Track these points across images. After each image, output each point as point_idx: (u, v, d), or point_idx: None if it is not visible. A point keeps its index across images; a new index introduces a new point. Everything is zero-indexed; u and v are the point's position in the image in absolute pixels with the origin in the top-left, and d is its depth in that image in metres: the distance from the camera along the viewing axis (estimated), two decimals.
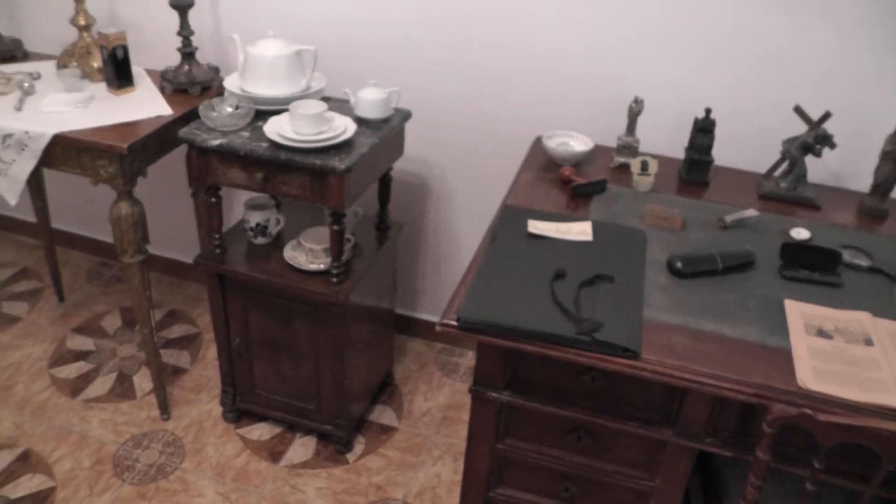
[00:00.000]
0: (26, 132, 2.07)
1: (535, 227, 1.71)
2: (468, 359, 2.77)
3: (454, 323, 1.45)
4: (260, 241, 2.23)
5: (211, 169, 2.00)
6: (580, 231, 1.72)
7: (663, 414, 1.53)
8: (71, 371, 2.70)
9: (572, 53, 2.18)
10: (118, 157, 2.01)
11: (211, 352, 2.78)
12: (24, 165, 2.12)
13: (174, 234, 3.00)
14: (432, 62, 2.31)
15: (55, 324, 2.92)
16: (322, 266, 2.09)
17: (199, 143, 1.95)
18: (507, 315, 1.43)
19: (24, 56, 2.60)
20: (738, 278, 1.63)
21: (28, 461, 2.35)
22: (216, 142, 1.94)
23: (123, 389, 2.61)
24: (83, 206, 3.18)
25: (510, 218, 1.76)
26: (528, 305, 1.46)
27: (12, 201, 2.21)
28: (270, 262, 2.15)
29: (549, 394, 1.57)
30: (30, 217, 3.33)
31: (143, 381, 2.65)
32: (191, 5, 2.25)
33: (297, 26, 2.36)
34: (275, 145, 1.91)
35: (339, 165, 1.84)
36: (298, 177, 1.91)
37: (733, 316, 1.51)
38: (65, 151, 2.09)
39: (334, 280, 2.04)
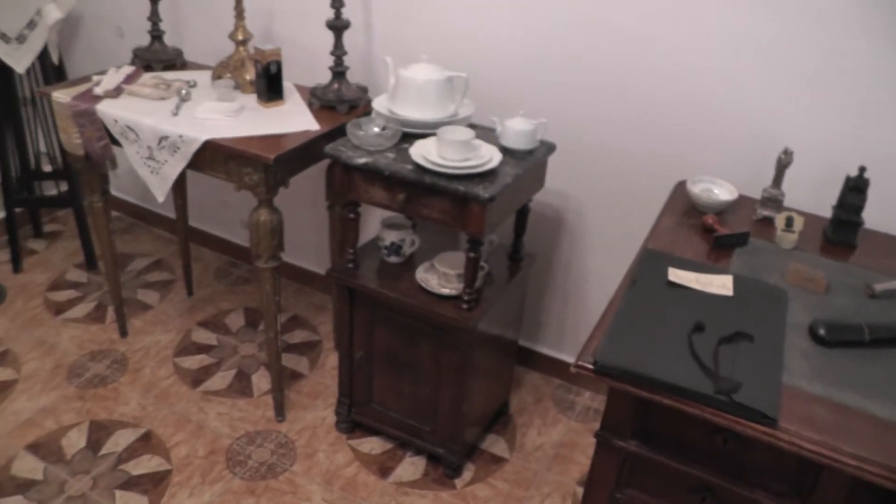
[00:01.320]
0: (180, 136, 2.18)
1: (676, 275, 1.68)
2: (585, 398, 2.74)
3: (590, 366, 1.43)
4: (393, 259, 2.26)
5: (354, 186, 2.05)
6: (721, 284, 1.68)
7: (795, 487, 1.46)
8: (193, 362, 2.82)
9: (721, 98, 2.14)
10: (263, 167, 2.09)
11: (329, 360, 2.85)
12: (175, 166, 2.25)
13: (304, 242, 3.10)
14: (579, 97, 2.31)
15: (182, 316, 3.07)
16: (454, 291, 2.10)
17: (345, 160, 2.00)
18: (643, 364, 1.41)
19: (183, 65, 2.74)
20: (888, 353, 1.53)
21: (149, 442, 2.47)
22: (362, 160, 1.98)
23: (241, 387, 2.70)
24: (218, 208, 3.34)
25: (651, 263, 1.74)
26: (666, 356, 1.43)
27: (160, 198, 2.35)
28: (402, 281, 2.19)
29: (677, 449, 1.53)
30: (169, 213, 3.51)
31: (261, 380, 2.74)
32: (347, 27, 2.32)
33: (448, 52, 2.40)
34: (420, 168, 1.94)
35: (482, 194, 1.85)
36: (440, 201, 1.93)
37: (883, 393, 1.42)
38: (213, 156, 2.19)
39: (464, 306, 2.05)
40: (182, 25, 2.98)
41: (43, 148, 3.48)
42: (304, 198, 2.93)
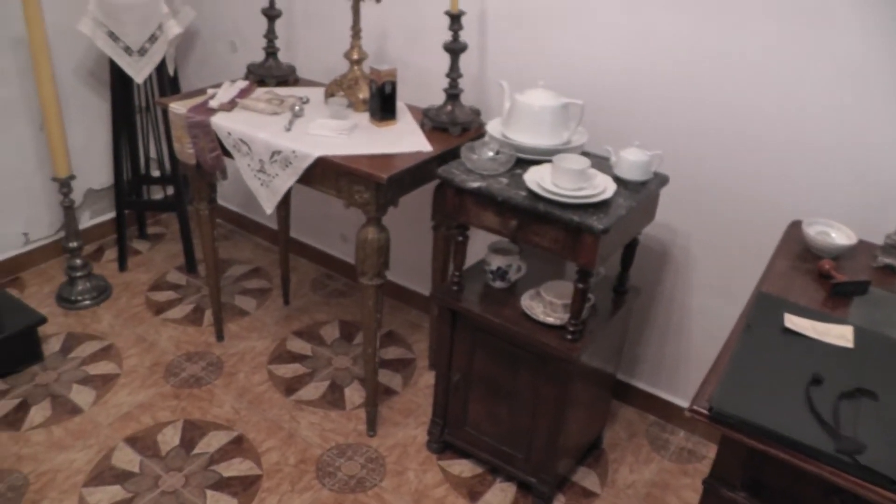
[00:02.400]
0: (293, 151, 2.23)
1: (792, 322, 1.63)
2: (680, 437, 2.67)
3: (705, 412, 1.39)
4: (498, 284, 2.26)
5: (465, 209, 2.05)
6: (839, 335, 1.62)
7: None
8: (287, 371, 2.87)
9: (841, 139, 2.06)
10: (375, 186, 2.11)
11: (423, 379, 2.86)
12: (286, 180, 2.29)
13: (404, 259, 3.12)
14: (694, 129, 2.27)
15: (278, 324, 3.13)
16: (558, 321, 2.08)
17: (458, 184, 2.01)
18: (760, 414, 1.36)
19: (295, 81, 2.81)
20: None
21: (241, 445, 2.52)
22: (475, 184, 1.99)
23: (334, 398, 2.74)
24: (319, 220, 3.40)
25: (765, 307, 1.68)
26: (783, 408, 1.38)
27: (268, 210, 2.40)
28: (506, 307, 2.18)
29: None
30: (268, 222, 3.62)
31: (353, 394, 2.76)
32: (464, 49, 2.33)
33: (563, 78, 2.39)
34: (533, 195, 1.93)
35: (596, 225, 1.83)
36: (552, 230, 1.92)
37: None
38: (324, 173, 2.22)
39: (569, 337, 2.03)
40: (295, 42, 3.07)
41: (153, 154, 3.62)
42: (408, 216, 2.95)
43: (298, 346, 3.01)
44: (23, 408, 2.64)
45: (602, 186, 1.96)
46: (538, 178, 1.96)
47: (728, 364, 1.51)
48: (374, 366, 2.45)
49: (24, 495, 2.30)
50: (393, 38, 2.78)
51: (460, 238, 2.18)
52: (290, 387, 2.79)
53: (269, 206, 2.38)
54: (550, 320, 2.10)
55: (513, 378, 2.21)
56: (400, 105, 2.51)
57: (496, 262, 2.24)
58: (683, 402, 2.62)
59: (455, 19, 2.29)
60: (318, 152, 2.18)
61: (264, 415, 2.65)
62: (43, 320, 2.86)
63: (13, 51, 3.10)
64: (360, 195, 2.15)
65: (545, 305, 2.13)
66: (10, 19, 3.02)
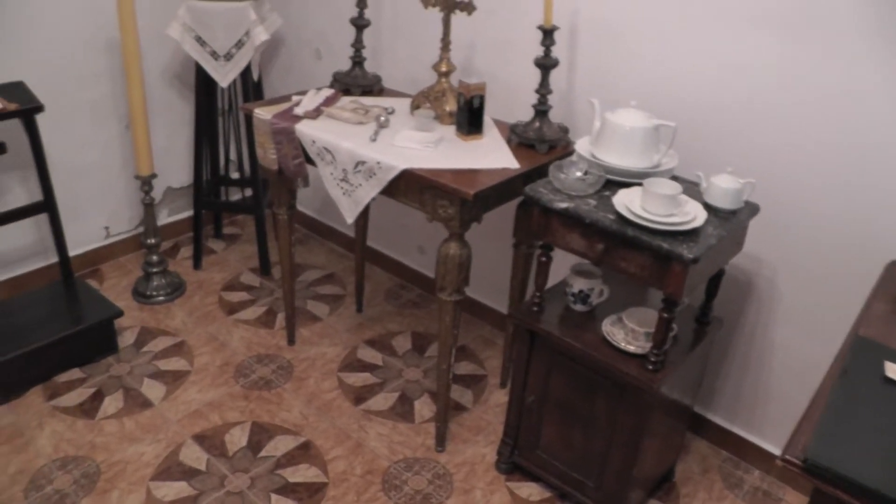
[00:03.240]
0: (378, 162, 2.22)
1: (894, 371, 1.57)
2: (754, 477, 2.57)
3: (798, 462, 1.33)
4: (578, 307, 2.22)
5: (551, 230, 2.02)
6: None
7: None
8: (357, 379, 2.86)
9: None
10: (460, 201, 2.09)
11: (494, 396, 2.82)
12: (369, 191, 2.29)
13: (481, 275, 3.08)
14: (789, 158, 2.19)
15: (350, 331, 3.13)
16: (639, 349, 2.04)
17: (545, 203, 1.98)
18: (858, 469, 1.28)
19: (380, 91, 2.82)
20: None
21: (308, 452, 2.52)
22: (563, 205, 1.96)
23: (403, 410, 2.72)
24: (396, 231, 3.41)
25: (863, 353, 1.60)
26: (883, 464, 1.31)
27: (349, 220, 2.40)
28: (586, 331, 2.14)
29: None
30: (343, 229, 3.65)
31: (423, 407, 2.74)
32: (555, 65, 2.30)
33: (654, 99, 2.34)
34: (621, 219, 1.89)
35: (686, 254, 1.77)
36: (640, 256, 1.87)
37: None
38: (409, 185, 2.21)
39: (650, 367, 1.98)
40: (381, 52, 3.07)
41: (232, 156, 3.69)
42: (488, 230, 2.92)
43: (370, 355, 3.01)
44: (97, 397, 2.70)
45: (692, 214, 1.90)
46: (627, 202, 1.92)
47: (824, 413, 1.44)
48: (448, 381, 2.43)
49: (95, 483, 2.35)
50: (481, 50, 2.76)
51: (543, 259, 2.15)
52: (360, 396, 2.78)
53: (350, 215, 2.38)
54: (632, 348, 2.05)
55: (589, 404, 2.16)
56: (486, 119, 2.48)
57: (578, 284, 2.20)
58: (760, 441, 2.54)
59: (548, 34, 2.26)
60: (403, 164, 2.17)
61: (333, 422, 2.65)
62: (120, 313, 2.92)
63: (107, 53, 3.19)
64: (444, 210, 2.14)
65: (627, 332, 2.08)
66: (105, 24, 3.13)
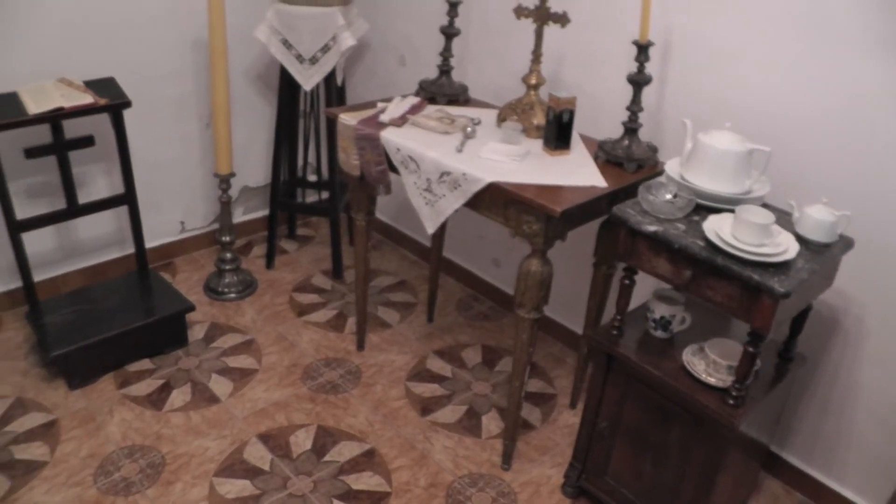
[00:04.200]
0: (464, 174, 2.19)
1: None
2: None
3: None
4: (659, 334, 2.17)
5: (637, 253, 1.97)
6: None
7: None
8: (425, 390, 2.84)
9: None
10: (546, 218, 2.05)
11: (563, 417, 2.77)
12: (452, 202, 2.26)
13: (553, 291, 2.88)
14: (885, 192, 2.09)
15: (420, 340, 3.12)
16: (720, 383, 1.97)
17: (633, 225, 1.93)
18: None
19: (466, 101, 2.80)
20: None
21: (372, 459, 2.51)
22: (651, 228, 1.91)
23: (470, 424, 2.68)
24: (472, 242, 3.38)
25: None
26: None
27: (430, 230, 2.38)
28: (665, 359, 2.08)
29: None
30: (417, 236, 3.65)
31: (490, 422, 2.70)
32: (648, 82, 2.25)
33: (748, 121, 2.27)
34: (712, 246, 1.83)
35: (777, 287, 1.71)
36: (728, 286, 1.81)
37: None
38: (493, 199, 2.18)
39: (731, 402, 1.91)
40: (467, 61, 3.06)
41: (310, 159, 3.72)
42: (565, 247, 2.85)
43: (438, 365, 2.98)
44: (166, 389, 2.75)
45: (784, 245, 1.83)
46: (717, 228, 1.85)
47: None
48: (519, 400, 2.39)
49: (160, 474, 2.39)
50: (569, 63, 2.72)
51: (627, 281, 2.10)
52: (427, 406, 2.76)
53: (431, 226, 2.36)
54: (712, 381, 1.98)
55: (663, 434, 2.10)
56: (574, 134, 2.44)
57: (660, 310, 2.14)
58: (838, 486, 2.43)
59: (642, 50, 2.21)
60: (489, 177, 2.14)
61: (398, 431, 2.63)
62: (192, 308, 2.96)
63: (192, 52, 3.26)
64: (528, 226, 2.10)
65: (708, 364, 2.01)
66: (192, 23, 3.21)
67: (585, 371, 2.72)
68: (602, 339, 2.16)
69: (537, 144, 2.41)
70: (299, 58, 3.11)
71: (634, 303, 2.27)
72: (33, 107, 2.62)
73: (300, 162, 3.63)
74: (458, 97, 2.76)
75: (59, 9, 2.85)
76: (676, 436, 2.07)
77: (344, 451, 2.52)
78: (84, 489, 2.33)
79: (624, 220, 1.96)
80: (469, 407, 2.78)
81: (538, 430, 2.71)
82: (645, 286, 2.37)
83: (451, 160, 2.24)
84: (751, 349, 1.86)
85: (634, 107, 2.28)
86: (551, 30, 2.46)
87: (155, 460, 2.44)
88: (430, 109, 2.61)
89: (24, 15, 2.78)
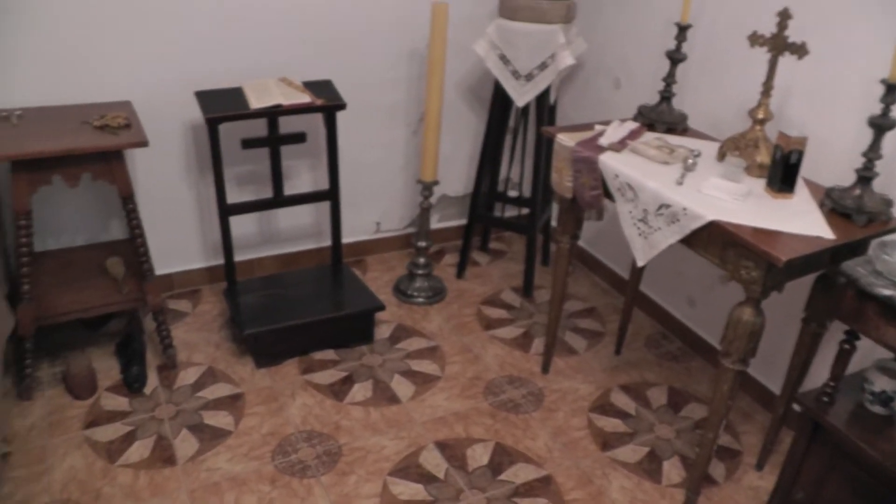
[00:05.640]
0: (684, 209, 2.11)
1: None
2: None
3: None
4: (876, 409, 1.99)
5: (864, 317, 1.82)
6: None
7: None
8: (607, 424, 2.76)
9: None
10: (767, 265, 1.93)
11: (748, 477, 2.57)
12: (668, 237, 2.18)
13: None
14: None
15: (606, 372, 3.03)
16: None
17: (864, 286, 1.78)
18: None
19: (684, 130, 2.70)
20: None
21: (548, 487, 2.46)
22: (886, 292, 1.74)
23: (650, 468, 2.56)
24: (669, 277, 3.26)
25: None
26: None
27: (641, 262, 2.31)
28: (883, 439, 1.89)
29: None
30: (616, 266, 3.56)
31: (672, 469, 2.57)
32: (892, 127, 2.04)
33: None
34: None
35: None
36: None
37: None
38: (712, 238, 2.09)
39: None
40: (684, 88, 2.92)
41: (511, 174, 3.75)
42: (771, 296, 2.70)
43: (623, 401, 2.87)
44: (348, 382, 2.83)
45: None
46: None
47: None
48: (710, 453, 2.27)
49: (336, 464, 2.46)
50: (797, 98, 2.53)
51: (847, 346, 1.94)
52: (608, 441, 2.66)
53: (642, 258, 2.29)
54: None
55: None
56: (799, 178, 2.28)
57: (881, 384, 1.96)
58: None
59: (892, 90, 2.01)
60: (711, 215, 2.04)
61: (577, 462, 2.56)
62: (382, 307, 3.05)
63: (407, 62, 3.38)
64: (747, 271, 1.99)
65: None
66: (411, 35, 3.32)
67: (778, 433, 2.54)
68: (810, 405, 2.01)
69: (759, 184, 2.28)
70: (515, 73, 3.12)
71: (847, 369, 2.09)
72: (255, 102, 2.80)
73: (502, 176, 3.65)
74: (677, 126, 2.68)
75: (285, 12, 3.04)
76: None
77: (520, 473, 2.48)
78: (262, 464, 2.45)
79: (853, 280, 1.82)
80: (651, 449, 2.65)
81: (721, 487, 2.53)
82: (864, 352, 2.18)
83: (671, 193, 2.17)
84: None
85: (872, 153, 2.09)
86: (784, 61, 2.32)
87: (332, 449, 2.52)
88: (649, 137, 2.54)
89: (251, 17, 2.99)
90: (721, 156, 2.43)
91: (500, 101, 3.28)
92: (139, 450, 2.47)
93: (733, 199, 2.14)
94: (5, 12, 2.61)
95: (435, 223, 3.81)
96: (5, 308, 2.33)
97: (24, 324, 2.54)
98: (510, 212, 3.90)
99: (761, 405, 2.88)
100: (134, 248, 2.68)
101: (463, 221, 3.76)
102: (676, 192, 2.17)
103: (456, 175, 3.78)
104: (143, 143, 2.49)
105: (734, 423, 2.81)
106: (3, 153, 2.34)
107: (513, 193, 3.82)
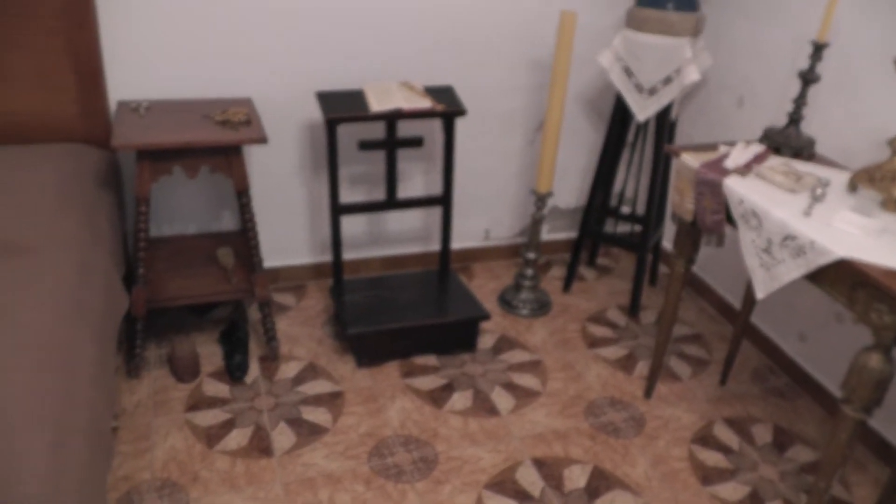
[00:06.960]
0: (812, 242, 1.99)
1: None
2: None
3: None
4: None
5: None
6: None
7: None
8: (709, 457, 2.63)
9: None
10: None
11: None
12: (792, 270, 2.07)
13: None
14: None
15: (710, 402, 2.91)
16: None
17: None
18: None
19: (811, 157, 2.57)
20: None
21: None
22: None
23: None
24: (780, 308, 3.11)
25: None
26: None
27: (761, 295, 2.20)
28: None
29: None
30: (726, 293, 3.44)
31: None
32: None
33: None
34: None
35: None
36: None
37: None
38: (839, 276, 1.97)
39: None
40: (812, 111, 2.77)
41: (626, 190, 3.68)
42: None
43: (726, 435, 2.74)
44: (448, 389, 2.82)
45: None
46: None
47: None
48: (822, 502, 2.14)
49: (432, 471, 2.45)
50: None
51: None
52: (709, 476, 2.55)
53: (763, 290, 2.19)
54: None
55: None
56: None
57: None
58: None
59: None
60: (841, 251, 1.92)
61: (675, 495, 2.46)
62: (487, 316, 3.03)
63: (528, 71, 3.36)
64: (879, 315, 1.87)
65: None
66: (535, 45, 3.30)
67: None
68: None
69: (893, 220, 2.13)
70: (638, 87, 3.05)
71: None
72: (375, 104, 2.82)
73: (615, 191, 3.59)
74: (803, 151, 2.54)
75: (408, 17, 3.07)
76: None
77: (617, 500, 2.41)
78: (358, 464, 2.46)
79: None
80: (753, 489, 2.51)
81: None
82: None
83: (799, 224, 2.05)
84: None
85: None
86: None
87: (428, 456, 2.51)
88: (775, 161, 2.42)
89: (374, 19, 3.02)
90: (852, 187, 2.30)
91: (619, 115, 3.22)
92: (237, 438, 2.54)
93: (867, 236, 2.02)
94: (137, 8, 2.73)
95: (544, 234, 3.77)
96: (121, 289, 2.43)
97: (137, 305, 2.65)
98: (621, 228, 3.82)
99: (877, 457, 2.69)
100: (245, 240, 2.77)
101: (572, 234, 3.71)
102: (804, 223, 2.06)
103: (568, 188, 3.73)
104: (263, 140, 2.56)
105: (845, 473, 2.63)
106: (130, 142, 2.45)
107: (625, 210, 3.74)
